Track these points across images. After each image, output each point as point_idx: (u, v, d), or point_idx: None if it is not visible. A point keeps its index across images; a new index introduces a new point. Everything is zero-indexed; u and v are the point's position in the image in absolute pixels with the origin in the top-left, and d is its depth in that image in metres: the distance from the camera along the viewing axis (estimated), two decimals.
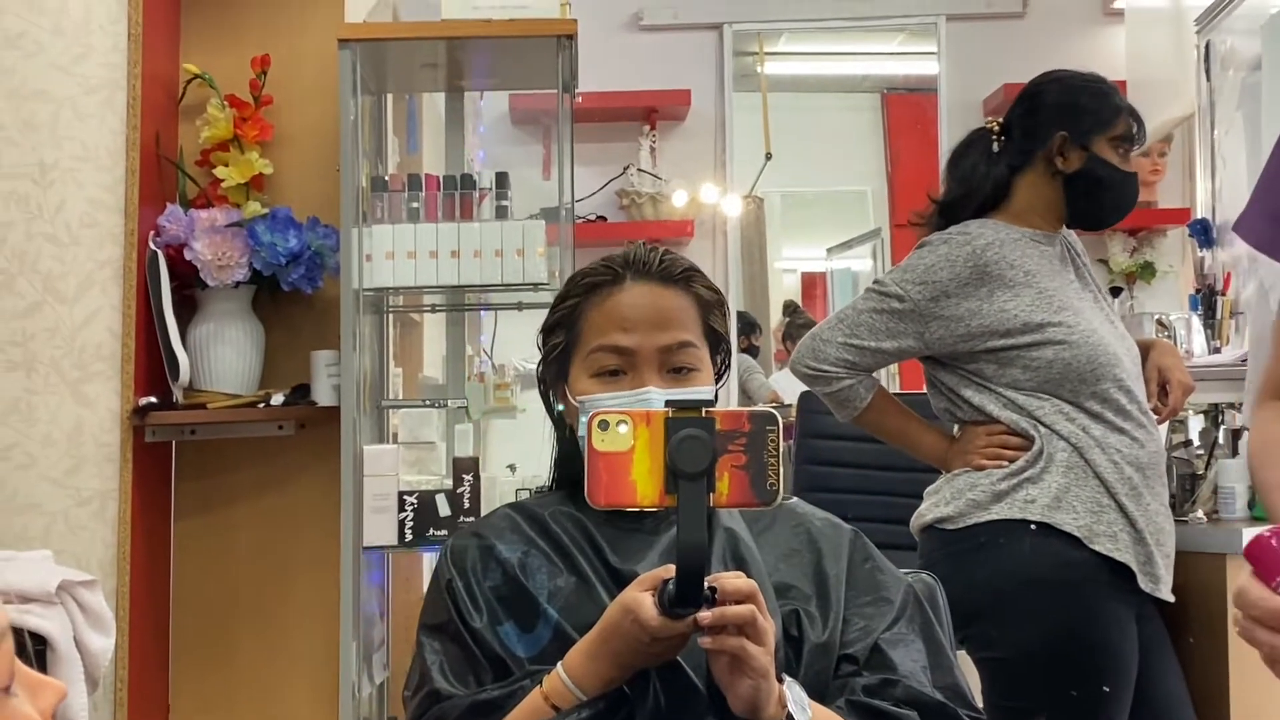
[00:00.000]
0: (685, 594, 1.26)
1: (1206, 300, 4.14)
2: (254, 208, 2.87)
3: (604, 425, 1.25)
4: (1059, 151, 2.46)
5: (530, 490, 2.68)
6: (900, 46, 5.82)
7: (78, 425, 2.76)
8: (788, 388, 5.15)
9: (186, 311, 2.91)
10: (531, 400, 3.87)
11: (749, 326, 5.56)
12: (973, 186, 2.52)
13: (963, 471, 2.41)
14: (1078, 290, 2.46)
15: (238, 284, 2.85)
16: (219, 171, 2.91)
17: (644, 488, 1.24)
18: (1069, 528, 2.33)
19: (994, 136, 2.53)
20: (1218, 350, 3.94)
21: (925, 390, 2.57)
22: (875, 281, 2.49)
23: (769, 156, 5.54)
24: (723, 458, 1.24)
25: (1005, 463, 2.37)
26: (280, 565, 3.00)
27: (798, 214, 6.38)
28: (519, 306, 2.88)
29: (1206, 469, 3.04)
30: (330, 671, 2.78)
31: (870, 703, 1.44)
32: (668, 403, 1.25)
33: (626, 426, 1.24)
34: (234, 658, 2.99)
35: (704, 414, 1.24)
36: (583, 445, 1.52)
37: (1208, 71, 4.40)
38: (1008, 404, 2.39)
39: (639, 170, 5.11)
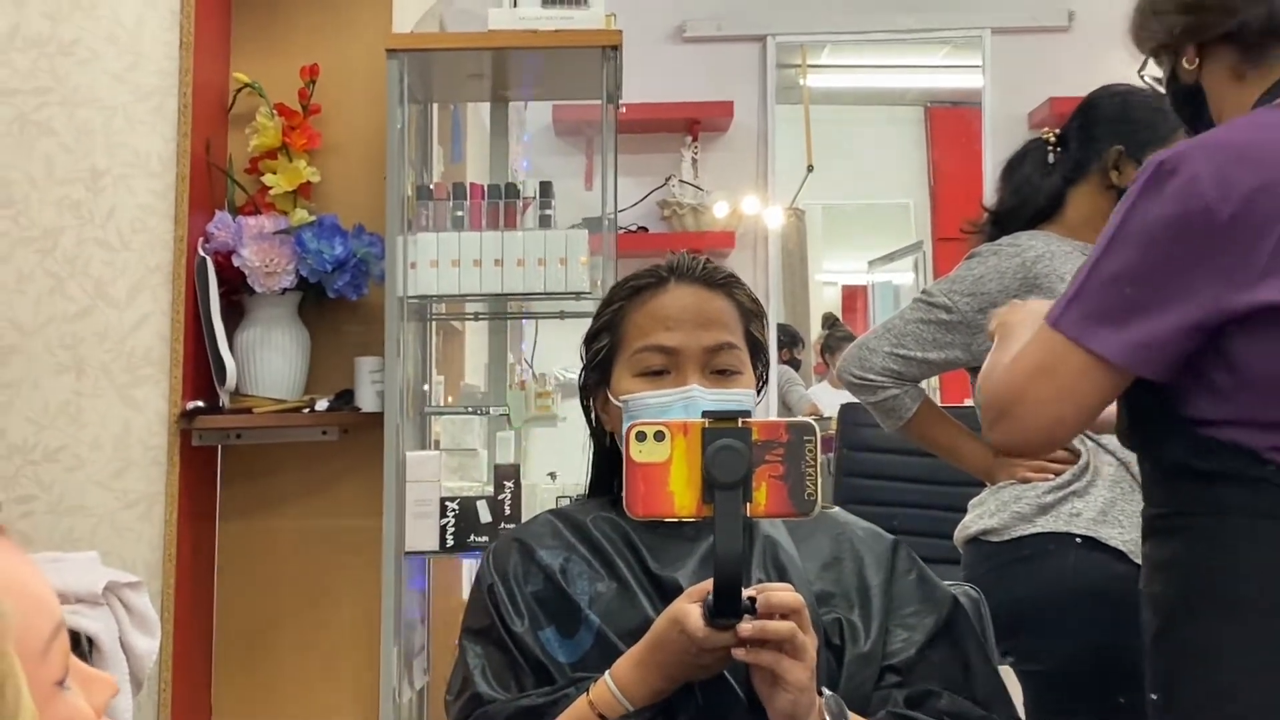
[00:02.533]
0: (723, 604, 1.27)
1: None
2: (301, 215, 2.90)
3: (641, 436, 1.26)
4: (1114, 165, 2.45)
5: (570, 498, 2.69)
6: (944, 60, 5.81)
7: (125, 428, 2.79)
8: (827, 400, 5.14)
9: (234, 317, 2.94)
10: (572, 409, 3.87)
11: (790, 339, 5.56)
12: (1026, 197, 2.52)
13: (1008, 484, 2.41)
14: None
15: (284, 290, 2.88)
16: (267, 179, 2.94)
17: (681, 498, 1.25)
18: (1114, 542, 2.32)
19: (1050, 147, 2.53)
20: None
21: (971, 401, 2.56)
22: (923, 291, 2.49)
23: (810, 169, 5.54)
24: (760, 468, 1.24)
25: (1051, 476, 2.36)
26: (323, 570, 3.02)
27: (839, 227, 6.37)
28: (561, 315, 2.89)
29: None
30: (371, 676, 2.80)
31: (912, 715, 1.44)
32: (704, 413, 1.26)
33: (664, 437, 1.25)
34: (276, 661, 3.01)
35: (740, 424, 1.24)
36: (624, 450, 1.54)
37: None
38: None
39: (681, 181, 5.13)
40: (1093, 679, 2.31)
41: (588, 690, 1.39)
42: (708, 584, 1.33)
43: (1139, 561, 2.28)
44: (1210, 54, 1.73)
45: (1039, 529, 2.36)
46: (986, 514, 2.43)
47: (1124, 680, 2.30)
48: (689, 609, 1.32)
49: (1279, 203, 1.48)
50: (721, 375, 1.53)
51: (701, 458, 1.24)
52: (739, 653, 1.31)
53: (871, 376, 2.46)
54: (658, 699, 1.37)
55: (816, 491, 1.25)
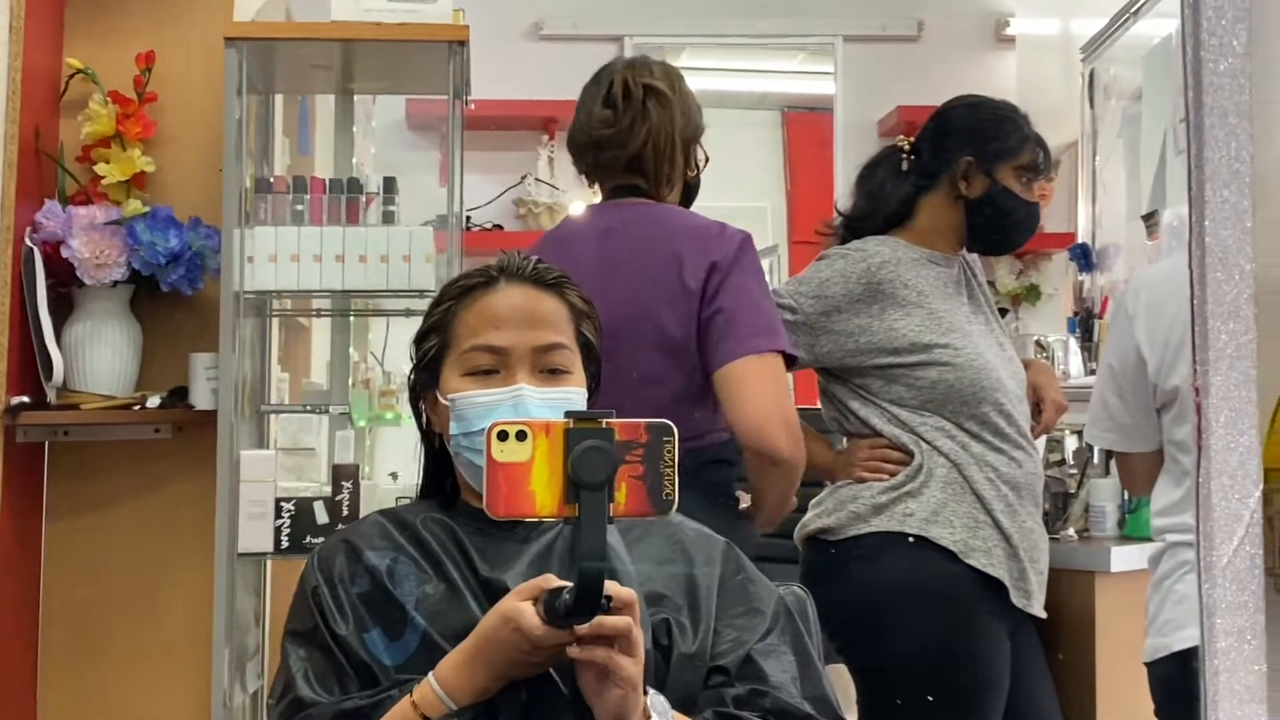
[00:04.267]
0: (584, 604, 1.26)
1: (1084, 323, 4.23)
2: (134, 206, 2.82)
3: (503, 435, 1.25)
4: (963, 176, 2.50)
5: (409, 498, 2.66)
6: (800, 65, 5.88)
7: None
8: None
9: (63, 310, 2.85)
10: None
11: None
12: (878, 203, 2.55)
13: (845, 484, 2.44)
14: (969, 314, 2.50)
15: (115, 283, 2.79)
16: (100, 168, 2.85)
17: (543, 498, 1.24)
18: (945, 542, 2.37)
19: (904, 155, 2.57)
20: (1094, 372, 4.03)
21: (818, 403, 2.59)
22: (772, 291, 2.51)
23: None
24: (621, 468, 1.24)
25: (885, 476, 2.40)
26: (154, 571, 2.94)
27: None
28: (406, 313, 2.86)
29: (1079, 488, 3.11)
30: (203, 679, 2.73)
31: (739, 714, 1.45)
32: (567, 414, 1.25)
33: (525, 436, 1.24)
34: (106, 664, 2.93)
35: (604, 425, 1.24)
36: (454, 450, 1.53)
37: (1091, 99, 4.51)
38: (891, 419, 2.42)
39: (537, 180, 5.11)
40: (924, 676, 2.36)
41: (411, 691, 1.37)
42: (538, 581, 1.34)
43: (969, 561, 2.35)
44: None
45: (873, 528, 2.40)
46: (825, 513, 2.47)
47: (950, 679, 2.36)
48: (522, 607, 1.32)
49: None
50: (551, 375, 1.52)
51: (565, 458, 1.23)
52: (573, 650, 1.31)
53: None
54: (483, 697, 1.36)
55: (674, 491, 1.26)
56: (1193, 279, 0.67)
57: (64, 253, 2.75)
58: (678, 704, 1.41)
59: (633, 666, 1.31)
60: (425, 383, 1.59)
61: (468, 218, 4.50)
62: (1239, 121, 0.67)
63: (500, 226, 5.06)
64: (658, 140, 2.34)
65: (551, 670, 1.39)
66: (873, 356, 2.42)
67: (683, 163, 2.39)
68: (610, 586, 1.31)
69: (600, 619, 1.30)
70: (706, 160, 2.44)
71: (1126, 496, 3.09)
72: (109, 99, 2.88)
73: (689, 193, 2.45)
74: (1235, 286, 0.65)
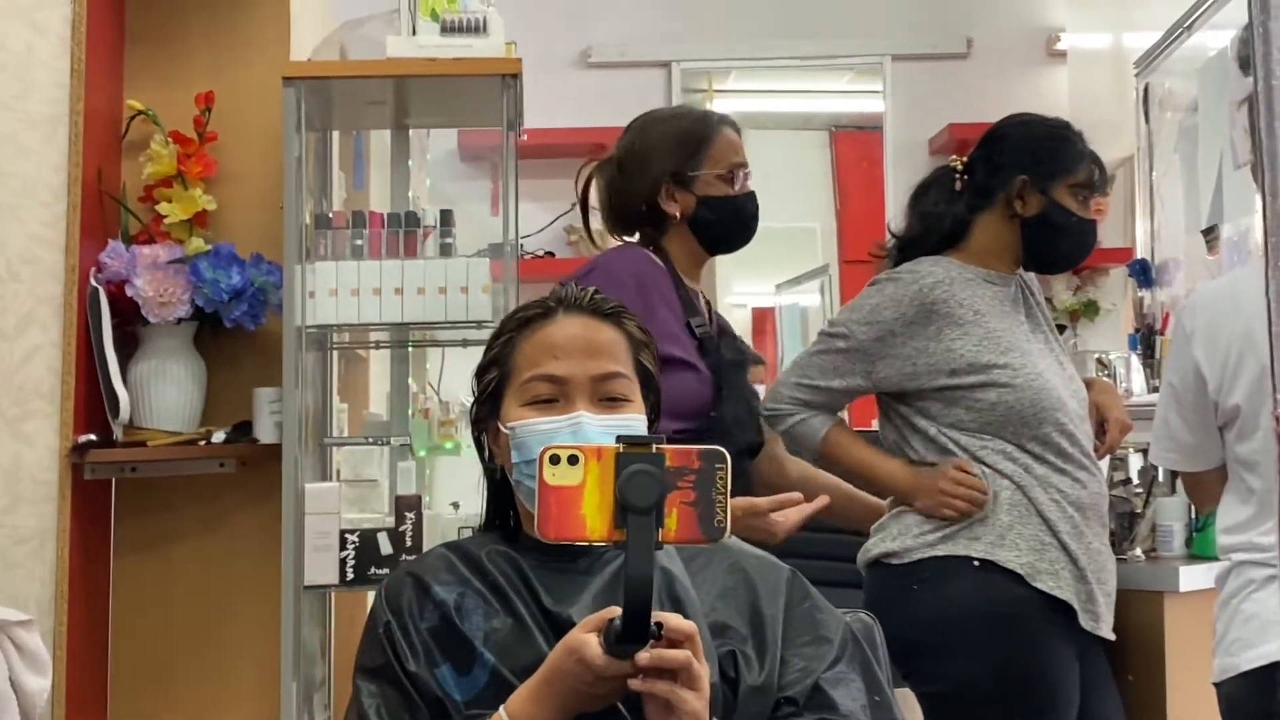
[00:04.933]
0: (632, 629, 1.27)
1: (1145, 339, 4.19)
2: (197, 244, 2.85)
3: (555, 459, 1.26)
4: (1018, 195, 2.48)
5: (473, 528, 2.67)
6: (848, 85, 5.88)
7: (16, 463, 2.73)
8: None
9: (128, 348, 2.88)
10: None
11: None
12: (931, 223, 2.55)
13: (909, 509, 2.43)
14: (1027, 332, 2.48)
15: (179, 321, 2.83)
16: (162, 208, 2.89)
17: (593, 522, 1.25)
18: (1011, 565, 2.35)
19: (957, 175, 2.56)
20: (1156, 389, 3.99)
21: (876, 424, 2.59)
22: (828, 322, 2.54)
23: None
24: (672, 494, 1.25)
25: (959, 511, 2.37)
26: (221, 604, 2.96)
27: (747, 250, 6.39)
28: (464, 344, 2.88)
29: (1145, 507, 3.08)
30: (270, 711, 2.75)
31: None
32: (619, 438, 1.26)
33: (577, 461, 1.25)
34: (173, 698, 2.95)
35: (654, 450, 1.25)
36: (515, 479, 1.54)
37: (1146, 113, 4.48)
38: (952, 443, 2.41)
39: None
40: (992, 700, 2.34)
41: None
42: (603, 614, 1.34)
43: (1036, 584, 2.33)
44: None
45: (938, 552, 2.39)
46: (888, 537, 2.46)
47: (1019, 703, 2.34)
48: (586, 638, 1.32)
49: None
50: (610, 403, 1.53)
51: (615, 482, 1.23)
52: (635, 682, 1.31)
53: (780, 406, 2.49)
54: None
55: (726, 519, 1.26)
56: (1270, 309, 0.66)
57: (129, 292, 2.78)
58: None
59: (696, 700, 1.31)
60: (487, 414, 1.60)
61: (520, 245, 4.52)
62: None
63: (552, 254, 5.08)
64: (609, 201, 2.61)
65: (620, 705, 1.39)
66: (931, 379, 2.41)
67: (645, 207, 2.54)
68: (666, 617, 1.31)
69: (660, 652, 1.30)
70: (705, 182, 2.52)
71: (1194, 515, 3.05)
72: (170, 139, 2.92)
73: (697, 224, 2.53)
74: None
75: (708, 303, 2.60)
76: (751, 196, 2.54)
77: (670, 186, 2.51)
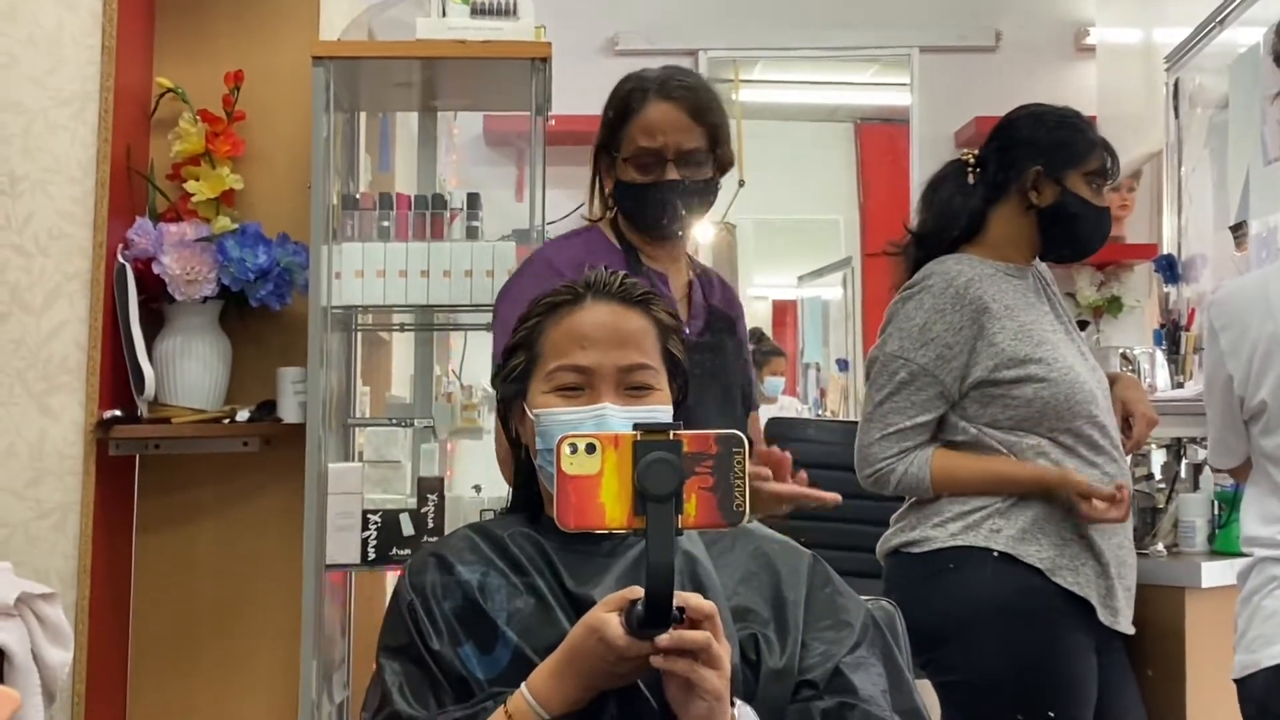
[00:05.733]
0: (654, 614, 1.27)
1: (1171, 335, 4.17)
2: (224, 223, 2.86)
3: (573, 448, 1.26)
4: (1033, 185, 2.47)
5: (495, 511, 2.67)
6: (874, 77, 5.87)
7: (41, 437, 2.74)
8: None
9: (153, 325, 2.90)
10: None
11: None
12: (948, 218, 2.53)
13: (931, 499, 2.42)
14: (1052, 323, 2.47)
15: (205, 299, 2.84)
16: (189, 186, 2.91)
17: (612, 510, 1.25)
18: (1032, 560, 2.34)
19: (969, 168, 2.54)
20: (1180, 385, 3.98)
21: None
22: (876, 361, 2.44)
23: (742, 183, 5.56)
24: (690, 480, 1.25)
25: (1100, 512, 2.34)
26: (242, 582, 2.98)
27: (770, 241, 6.41)
28: (488, 327, 2.87)
29: (1168, 503, 3.06)
30: (290, 689, 2.77)
31: None
32: (635, 426, 1.26)
33: (595, 449, 1.25)
34: (193, 674, 2.97)
35: (671, 436, 1.25)
36: (539, 464, 1.54)
37: (1176, 109, 4.45)
38: (991, 438, 2.39)
39: None
40: (1009, 692, 2.33)
41: (505, 702, 1.39)
42: (625, 593, 1.34)
43: (1056, 579, 2.32)
44: None
45: (959, 542, 2.37)
46: (908, 527, 2.45)
47: (1036, 695, 2.33)
48: (607, 618, 1.32)
49: None
50: (636, 392, 1.53)
51: (633, 470, 1.23)
52: (657, 660, 1.31)
53: (879, 467, 2.41)
54: (573, 708, 1.37)
55: (745, 502, 1.26)
56: None
57: (155, 269, 2.80)
58: (767, 718, 1.41)
59: (716, 680, 1.32)
60: (513, 395, 1.60)
61: (545, 231, 4.52)
62: None
63: None
64: None
65: (641, 684, 1.39)
66: (979, 373, 2.39)
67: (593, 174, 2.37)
68: (686, 598, 1.31)
69: (680, 633, 1.30)
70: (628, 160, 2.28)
71: (1216, 511, 3.04)
72: (198, 118, 2.93)
73: (621, 202, 2.31)
74: None
75: (693, 282, 2.37)
76: (666, 187, 2.23)
77: (603, 163, 2.34)
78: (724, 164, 2.31)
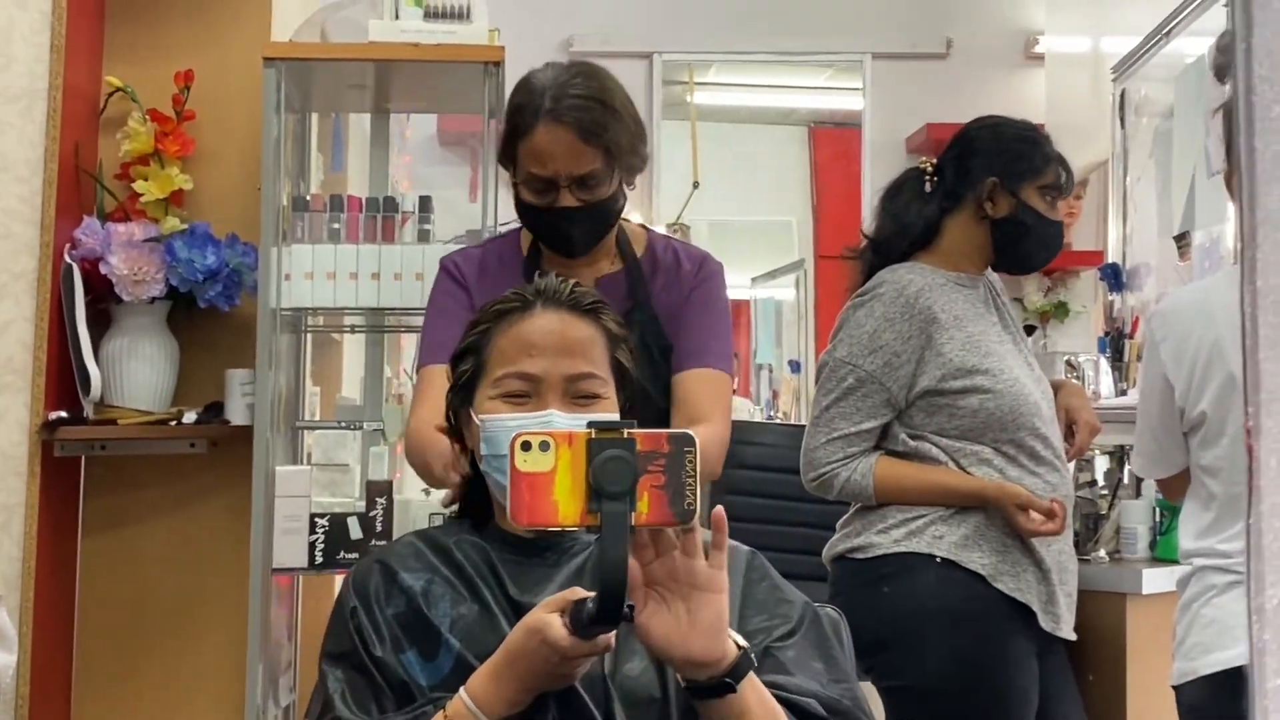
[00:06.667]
0: (605, 611, 1.28)
1: (1115, 343, 4.22)
2: (172, 223, 2.85)
3: (526, 446, 1.26)
4: (988, 196, 2.50)
5: (444, 514, 2.67)
6: (827, 82, 5.90)
7: None
8: None
9: (100, 326, 2.88)
10: None
11: None
12: (904, 225, 2.55)
13: (876, 506, 2.44)
14: (999, 333, 2.50)
15: (153, 300, 2.82)
16: (138, 186, 2.88)
17: (565, 508, 1.25)
18: (974, 566, 2.37)
19: (927, 176, 2.57)
20: (1124, 392, 4.02)
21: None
22: (827, 366, 2.45)
23: (696, 185, 5.58)
24: (642, 478, 1.25)
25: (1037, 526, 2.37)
26: (189, 585, 2.96)
27: (723, 243, 6.42)
28: None
29: (1110, 509, 3.10)
30: (236, 693, 2.76)
31: (790, 697, 1.44)
32: (590, 423, 1.27)
33: (549, 447, 1.26)
34: (139, 677, 2.95)
35: (625, 435, 1.25)
36: (484, 470, 1.55)
37: (1122, 118, 4.51)
38: (934, 447, 2.42)
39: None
40: (952, 697, 2.36)
41: (444, 707, 1.39)
42: (565, 594, 1.35)
43: (998, 585, 2.35)
44: None
45: (902, 549, 2.40)
46: (853, 533, 2.47)
47: (977, 700, 2.36)
48: (549, 619, 1.33)
49: None
50: (582, 401, 1.54)
51: (587, 467, 1.24)
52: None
53: (823, 471, 2.42)
54: (513, 711, 1.37)
55: (696, 501, 1.26)
56: (1244, 322, 0.67)
57: (103, 269, 2.78)
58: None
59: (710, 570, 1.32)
60: (461, 402, 1.60)
61: (499, 232, 4.52)
62: None
63: None
64: None
65: (579, 686, 1.40)
66: (926, 383, 2.41)
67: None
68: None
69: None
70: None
71: (1158, 518, 3.08)
72: (148, 117, 2.91)
73: (522, 219, 2.21)
74: None
75: (608, 279, 2.22)
76: (559, 214, 2.11)
77: (508, 171, 2.20)
78: (633, 169, 2.19)
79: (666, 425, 2.18)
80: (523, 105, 2.09)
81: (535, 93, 2.09)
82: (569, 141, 2.06)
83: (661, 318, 2.20)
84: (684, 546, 1.31)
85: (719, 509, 1.30)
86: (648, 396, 2.14)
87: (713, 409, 2.15)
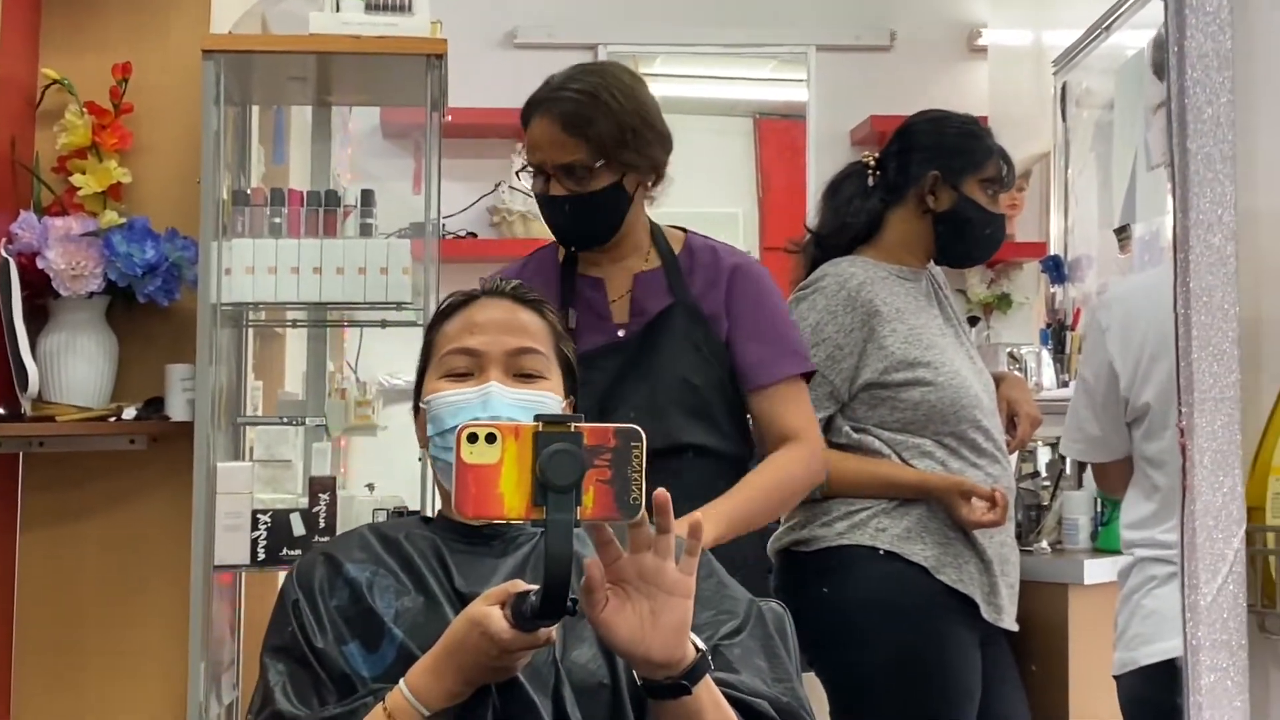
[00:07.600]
0: (550, 605, 1.27)
1: (1056, 334, 4.26)
2: (111, 217, 2.81)
3: (472, 438, 1.25)
4: (930, 190, 2.52)
5: (388, 510, 2.66)
6: (772, 73, 5.90)
7: None
8: None
9: (38, 321, 2.83)
10: (392, 418, 3.85)
11: None
12: (846, 219, 2.57)
13: (822, 499, 2.45)
14: (941, 326, 2.51)
15: (91, 294, 2.78)
16: (76, 179, 2.84)
17: (511, 500, 1.25)
18: (916, 558, 2.39)
19: (870, 170, 2.58)
20: (1066, 384, 4.06)
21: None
22: None
23: None
24: (588, 472, 1.25)
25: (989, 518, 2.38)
26: (129, 582, 2.93)
27: None
28: (383, 324, 2.85)
29: (1052, 500, 3.13)
30: (178, 690, 2.72)
31: (738, 696, 1.44)
32: (537, 417, 1.27)
33: (495, 439, 1.25)
34: (80, 676, 2.92)
35: (572, 428, 1.25)
36: (431, 454, 1.55)
37: (1063, 111, 4.54)
38: (877, 440, 2.43)
39: (511, 188, 5.10)
40: (895, 687, 2.38)
41: (384, 699, 1.39)
42: (506, 586, 1.35)
43: (940, 577, 2.37)
44: None
45: (845, 541, 2.41)
46: (797, 526, 2.48)
47: (920, 690, 2.38)
48: (490, 611, 1.33)
49: None
50: (525, 378, 1.55)
51: (533, 460, 1.24)
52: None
53: None
54: (453, 703, 1.38)
55: (641, 496, 1.27)
56: (1177, 322, 0.68)
57: (39, 264, 2.73)
58: (642, 702, 1.41)
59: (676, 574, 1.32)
60: (417, 399, 1.62)
61: (442, 226, 4.50)
62: (1224, 167, 0.68)
63: (474, 234, 5.05)
64: None
65: (521, 677, 1.40)
66: (868, 375, 2.42)
67: None
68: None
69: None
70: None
71: (1099, 509, 3.11)
72: (85, 110, 2.86)
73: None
74: (1220, 330, 0.67)
75: (641, 277, 2.28)
76: (550, 201, 2.21)
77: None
78: (634, 167, 2.24)
79: (713, 423, 2.19)
80: (530, 98, 2.23)
81: (542, 87, 2.23)
82: (553, 132, 2.16)
83: (706, 316, 2.22)
84: (657, 547, 1.31)
85: (661, 491, 1.30)
86: (694, 389, 2.17)
87: (797, 421, 2.18)
